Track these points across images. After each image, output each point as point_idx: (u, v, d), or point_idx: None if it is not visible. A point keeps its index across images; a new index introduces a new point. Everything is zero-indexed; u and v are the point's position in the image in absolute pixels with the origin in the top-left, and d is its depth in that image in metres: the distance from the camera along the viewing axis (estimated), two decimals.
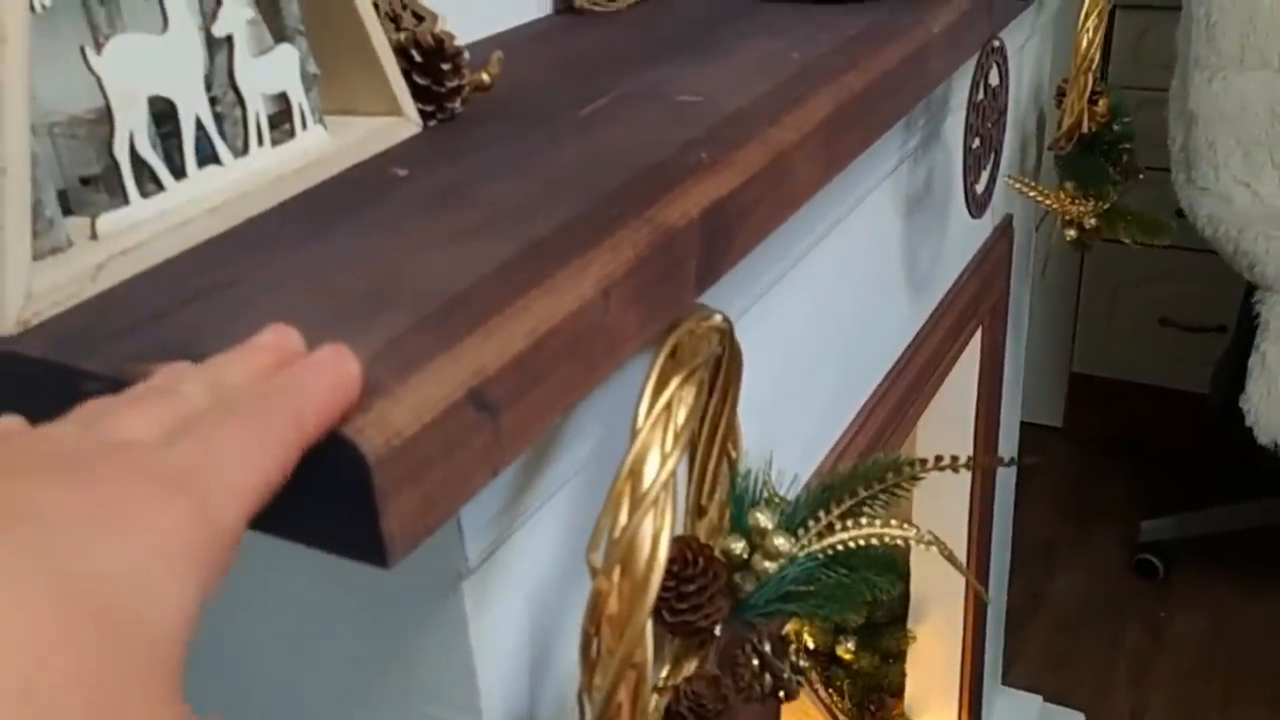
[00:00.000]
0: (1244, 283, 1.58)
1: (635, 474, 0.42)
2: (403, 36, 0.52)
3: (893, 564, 0.63)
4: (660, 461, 0.42)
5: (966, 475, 1.24)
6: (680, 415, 0.44)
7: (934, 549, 0.61)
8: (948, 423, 1.19)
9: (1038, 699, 1.63)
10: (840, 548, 0.61)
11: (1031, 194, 1.05)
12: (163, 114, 0.42)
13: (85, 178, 0.42)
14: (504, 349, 0.35)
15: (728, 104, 0.54)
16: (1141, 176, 1.12)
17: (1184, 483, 2.15)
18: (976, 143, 0.80)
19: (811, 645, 1.38)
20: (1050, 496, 2.24)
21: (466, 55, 0.54)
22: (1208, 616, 1.90)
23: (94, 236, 0.40)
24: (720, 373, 0.55)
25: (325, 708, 0.50)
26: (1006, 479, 1.45)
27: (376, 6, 0.51)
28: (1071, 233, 1.09)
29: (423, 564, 0.43)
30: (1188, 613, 1.92)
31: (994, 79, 0.82)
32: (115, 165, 0.41)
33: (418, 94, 0.53)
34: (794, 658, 0.59)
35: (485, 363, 0.34)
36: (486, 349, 0.34)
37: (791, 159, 0.51)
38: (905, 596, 1.33)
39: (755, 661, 0.58)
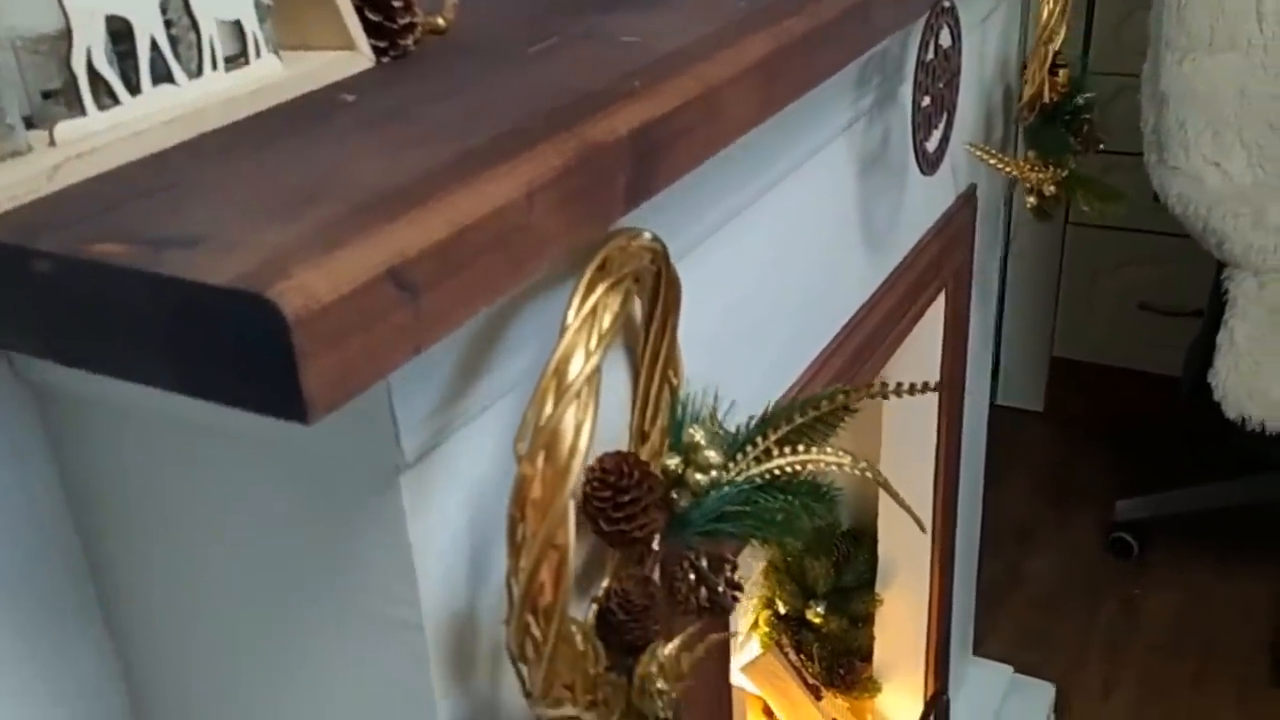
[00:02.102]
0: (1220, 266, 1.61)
1: (560, 371, 0.45)
2: None
3: (829, 494, 0.66)
4: (585, 359, 0.45)
5: (931, 447, 1.26)
6: (606, 320, 0.46)
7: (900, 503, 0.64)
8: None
9: (1009, 669, 1.66)
10: (778, 473, 0.63)
11: (991, 161, 1.08)
12: (120, 33, 0.45)
13: (47, 91, 0.45)
14: (425, 236, 0.37)
15: (668, 44, 0.57)
16: (1102, 147, 1.15)
17: (1161, 464, 2.18)
18: (927, 101, 0.83)
19: (783, 610, 1.41)
20: (1029, 479, 2.27)
21: None
22: (1181, 594, 1.93)
23: (52, 143, 0.43)
24: (659, 298, 0.58)
25: (272, 599, 0.53)
26: (974, 453, 1.47)
27: None
28: (1032, 200, 1.11)
29: (360, 455, 0.46)
30: (1161, 591, 1.94)
31: (945, 40, 0.85)
32: (73, 79, 0.44)
33: (371, 30, 0.55)
34: (730, 574, 0.61)
35: (405, 246, 0.37)
36: (408, 234, 0.37)
37: (724, 93, 0.54)
38: (873, 561, 1.35)
39: (692, 576, 0.61)
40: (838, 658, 1.40)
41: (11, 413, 0.54)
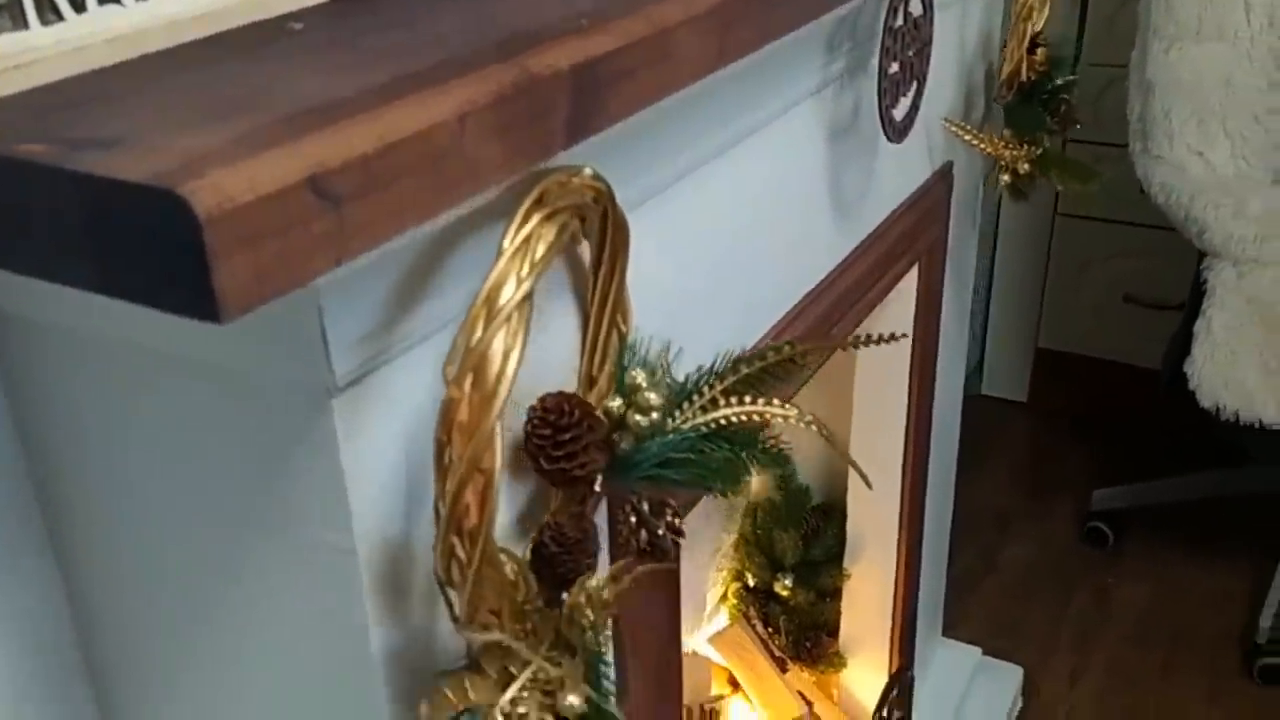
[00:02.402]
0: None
1: (492, 297, 0.45)
2: None
3: (777, 448, 0.66)
4: (516, 286, 0.45)
5: (901, 424, 1.27)
6: (540, 249, 0.47)
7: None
8: (885, 359, 1.23)
9: (977, 651, 1.67)
10: (724, 423, 0.64)
11: (967, 137, 1.08)
12: None
13: None
14: (348, 148, 0.38)
15: None
16: (1079, 126, 1.15)
17: (1141, 456, 2.19)
18: (895, 68, 0.83)
19: (751, 582, 1.42)
20: (1009, 467, 2.28)
21: None
22: (1153, 585, 1.94)
23: None
24: (606, 241, 0.58)
25: (212, 523, 0.54)
26: (947, 435, 1.48)
27: None
28: (1006, 178, 1.12)
29: (293, 377, 0.47)
30: (1134, 581, 1.95)
31: (916, 8, 0.85)
32: None
33: None
34: (671, 519, 0.62)
35: (327, 156, 0.37)
36: (331, 145, 0.37)
37: (674, 36, 0.54)
38: (842, 536, 1.36)
39: (633, 519, 0.61)
40: (804, 631, 1.41)
41: None
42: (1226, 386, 1.55)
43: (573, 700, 0.50)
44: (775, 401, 0.65)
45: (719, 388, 0.64)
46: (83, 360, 0.54)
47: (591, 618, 0.51)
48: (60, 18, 0.45)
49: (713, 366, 0.65)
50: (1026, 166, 1.10)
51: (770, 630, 1.41)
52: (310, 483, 0.50)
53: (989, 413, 2.47)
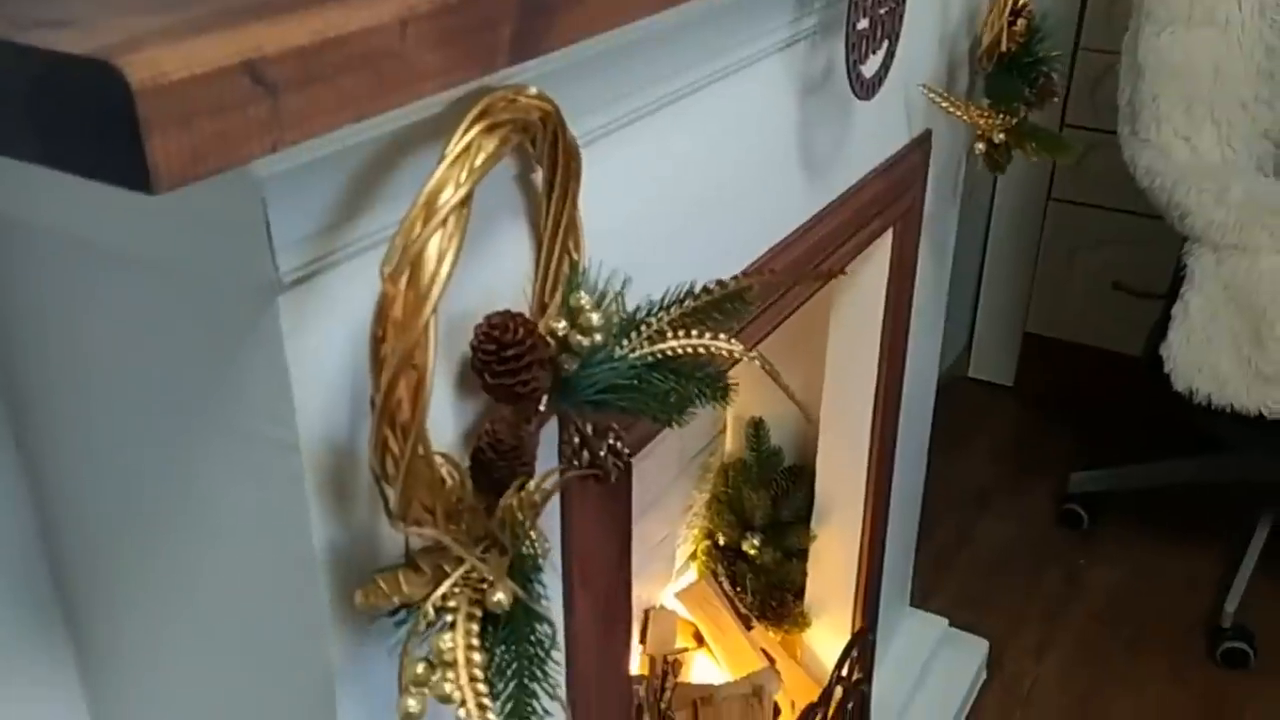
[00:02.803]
0: None
1: (430, 201, 0.47)
2: None
3: (717, 381, 0.68)
4: (454, 190, 0.47)
5: (871, 390, 1.28)
6: (479, 159, 0.49)
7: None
8: (857, 326, 1.25)
9: (944, 622, 1.69)
10: (671, 354, 0.66)
11: (943, 104, 1.10)
12: None
13: None
14: (285, 39, 0.40)
15: None
16: (1056, 99, 1.17)
17: (1122, 441, 2.21)
18: (864, 23, 0.85)
19: (721, 541, 1.44)
20: (992, 449, 2.30)
21: None
22: (1125, 567, 1.96)
23: None
24: (557, 166, 0.60)
25: (166, 419, 0.56)
26: (920, 406, 1.50)
27: None
28: (981, 146, 1.13)
29: (240, 272, 0.49)
30: (1106, 562, 1.98)
31: None
32: None
33: None
34: (614, 442, 0.64)
35: (264, 44, 0.39)
36: (269, 34, 0.39)
37: None
38: (811, 498, 1.38)
39: (577, 440, 0.64)
40: (770, 591, 1.43)
41: None
42: (1201, 371, 1.56)
43: (500, 598, 0.52)
44: (721, 336, 0.67)
45: (665, 319, 0.66)
46: (49, 261, 0.56)
47: (523, 518, 0.53)
48: None
49: (662, 299, 0.67)
50: (1002, 136, 1.12)
51: (737, 588, 1.44)
52: (255, 378, 0.52)
53: (975, 395, 2.49)
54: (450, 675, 0.50)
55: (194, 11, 0.40)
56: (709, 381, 0.68)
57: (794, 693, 1.39)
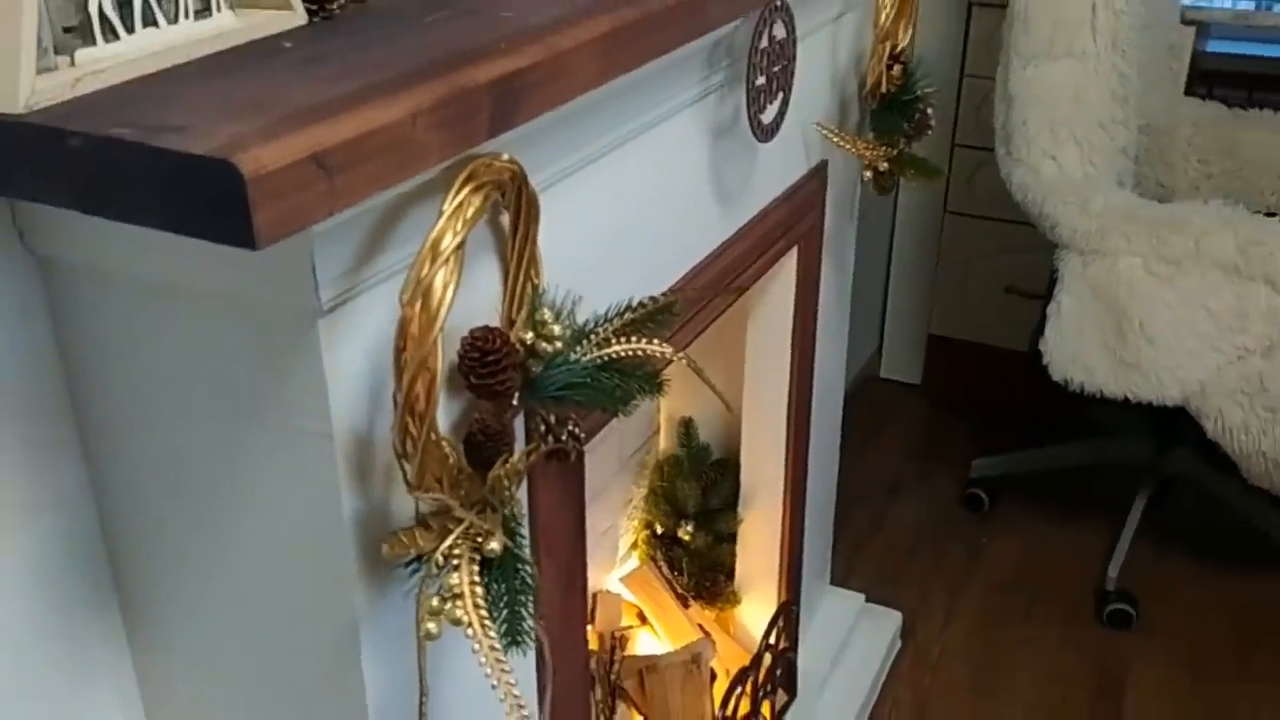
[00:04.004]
0: None
1: (435, 244, 0.63)
2: None
3: (653, 378, 0.85)
4: (453, 236, 0.63)
5: (786, 388, 1.46)
6: (469, 211, 0.65)
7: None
8: (770, 332, 1.42)
9: (860, 598, 1.88)
10: (616, 357, 0.82)
11: (834, 139, 1.28)
12: None
13: (67, 27, 0.62)
14: (338, 134, 0.55)
15: (532, 20, 0.75)
16: (930, 132, 1.36)
17: (1019, 430, 2.42)
18: (761, 80, 1.03)
19: (659, 530, 1.61)
20: (903, 443, 2.50)
21: None
22: (1021, 542, 2.17)
23: (73, 64, 0.60)
24: (520, 212, 0.77)
25: (219, 419, 0.71)
26: (830, 401, 1.68)
27: None
28: (868, 174, 1.32)
29: (289, 302, 0.64)
30: (1005, 539, 2.18)
31: (780, 32, 1.04)
32: (89, 19, 0.61)
33: None
34: (571, 429, 0.80)
35: (325, 140, 0.55)
36: (326, 133, 0.55)
37: (568, 58, 0.73)
38: (737, 487, 1.56)
39: (543, 427, 0.80)
40: (704, 572, 1.60)
41: (20, 279, 0.71)
42: (1074, 362, 1.77)
43: (494, 546, 0.68)
44: (655, 341, 0.84)
45: (610, 329, 0.83)
46: (120, 296, 0.71)
47: (507, 484, 0.69)
48: (117, 37, 0.62)
49: (606, 313, 0.83)
50: (885, 165, 1.30)
51: (675, 571, 1.60)
52: (298, 384, 0.67)
53: (887, 394, 2.70)
54: (460, 604, 0.66)
55: (268, 116, 0.56)
56: (647, 378, 0.84)
57: (728, 662, 1.56)
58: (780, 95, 1.08)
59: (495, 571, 0.69)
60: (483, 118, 0.66)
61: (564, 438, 0.80)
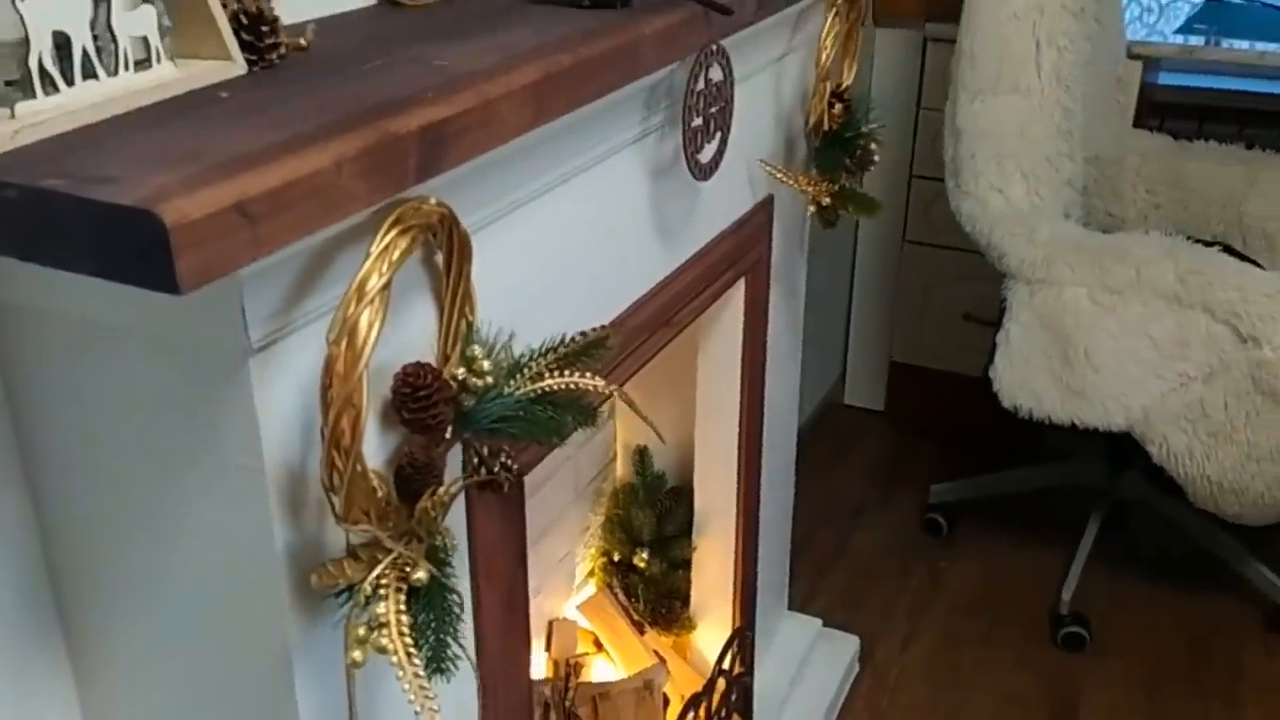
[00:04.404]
0: None
1: (361, 285, 0.66)
2: (235, 6, 0.76)
3: (587, 410, 0.88)
4: (379, 278, 0.66)
5: (734, 423, 1.49)
6: (395, 254, 0.68)
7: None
8: (720, 360, 1.46)
9: (818, 622, 1.90)
10: (548, 390, 0.85)
11: (778, 175, 1.32)
12: (61, 43, 0.65)
13: (9, 81, 0.65)
14: (262, 184, 0.58)
15: (465, 68, 0.79)
16: (873, 167, 1.40)
17: (981, 456, 2.45)
18: (698, 121, 1.06)
19: (615, 557, 1.63)
20: (866, 468, 2.53)
21: (281, 22, 0.78)
22: (979, 566, 2.21)
23: (13, 116, 0.63)
24: (453, 253, 0.80)
25: (157, 453, 0.73)
26: (783, 427, 1.71)
27: None
28: (812, 208, 1.36)
29: (221, 342, 0.67)
30: (963, 562, 2.22)
31: (716, 75, 1.08)
32: (29, 73, 0.64)
33: (244, 46, 0.76)
34: (505, 460, 0.83)
35: (248, 189, 0.57)
36: (251, 182, 0.58)
37: (498, 105, 0.76)
38: (691, 514, 1.58)
39: (476, 460, 0.82)
40: (660, 599, 1.62)
41: None
42: (1022, 389, 1.81)
43: (420, 575, 0.71)
44: (588, 375, 0.87)
45: (543, 363, 0.86)
46: (61, 336, 0.73)
47: (435, 515, 0.72)
48: (57, 89, 0.65)
49: (540, 347, 0.86)
50: (828, 199, 1.34)
51: (631, 598, 1.62)
52: (232, 420, 0.70)
53: (851, 420, 2.73)
54: (385, 633, 0.69)
55: (196, 166, 0.59)
56: (581, 411, 0.87)
57: (684, 687, 1.58)
58: (719, 135, 1.12)
59: (422, 600, 0.72)
60: (410, 164, 0.69)
61: (496, 470, 0.83)
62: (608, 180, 1.04)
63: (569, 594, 1.62)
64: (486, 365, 0.78)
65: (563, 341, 0.87)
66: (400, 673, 0.68)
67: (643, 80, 1.01)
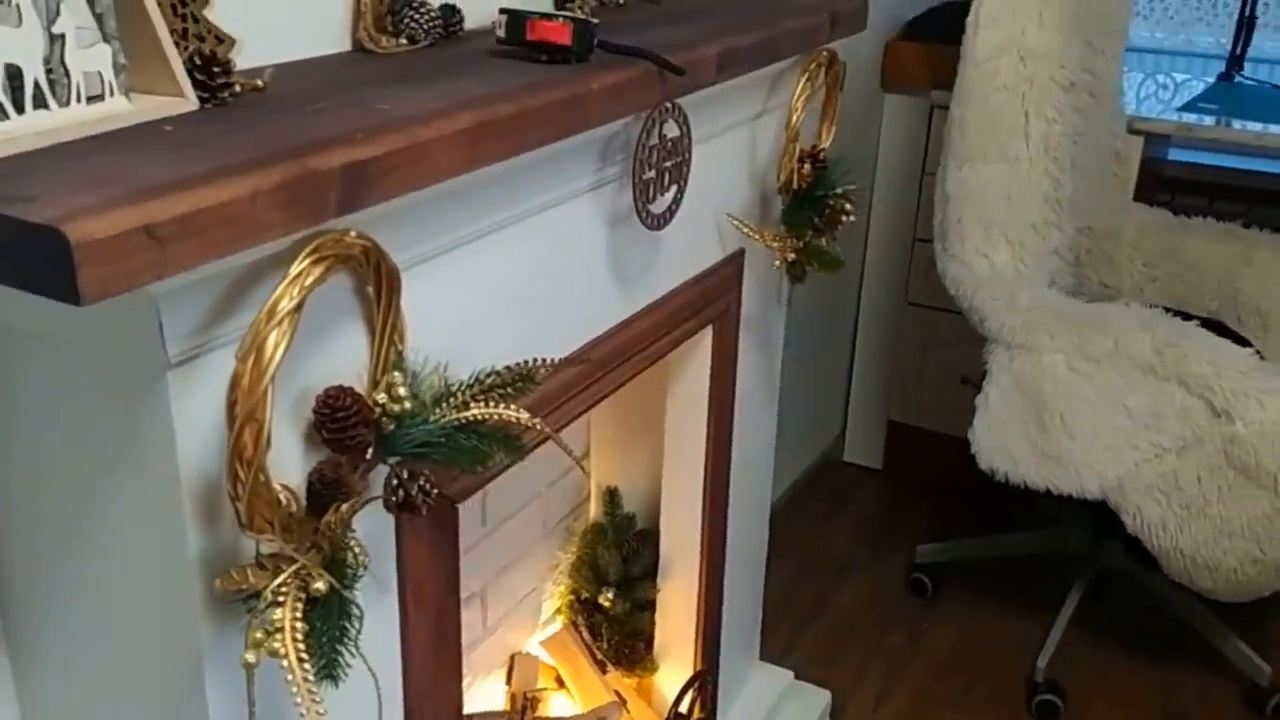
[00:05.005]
0: None
1: (271, 308, 0.71)
2: (190, 48, 0.82)
3: (514, 442, 0.91)
4: (289, 301, 0.71)
5: (700, 470, 1.52)
6: (308, 280, 0.73)
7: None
8: (687, 409, 1.49)
9: (789, 675, 1.91)
10: (473, 419, 0.89)
11: (744, 230, 1.36)
12: (13, 74, 0.71)
13: None
14: (173, 209, 0.63)
15: (405, 112, 0.84)
16: (842, 226, 1.43)
17: (974, 518, 2.46)
18: (650, 173, 1.11)
19: (582, 595, 1.66)
20: (857, 526, 2.54)
21: (234, 65, 0.84)
22: (960, 629, 2.20)
23: None
24: (381, 284, 0.84)
25: (83, 461, 0.78)
26: (755, 476, 1.73)
27: (176, 31, 0.81)
28: (778, 262, 1.40)
29: (140, 356, 0.72)
30: (945, 623, 2.21)
31: (671, 131, 1.13)
32: None
33: (197, 85, 0.82)
34: (422, 484, 0.87)
35: (158, 214, 0.63)
36: (163, 207, 0.63)
37: (430, 147, 0.81)
38: (657, 556, 1.61)
39: (394, 482, 0.86)
40: (624, 640, 1.64)
41: None
42: (999, 452, 1.83)
43: (320, 586, 0.75)
44: (513, 408, 0.91)
45: (469, 393, 0.90)
46: (2, 350, 0.79)
47: (337, 529, 0.76)
48: (7, 116, 0.71)
49: (469, 378, 0.91)
50: (793, 255, 1.38)
51: (595, 637, 1.65)
52: (149, 429, 0.74)
53: (848, 477, 2.75)
54: (279, 638, 0.72)
55: (115, 190, 0.64)
56: (506, 441, 0.91)
57: None
58: (674, 188, 1.16)
59: (320, 610, 0.75)
60: (330, 197, 0.74)
61: (414, 492, 0.87)
62: (561, 225, 1.09)
63: (534, 629, 1.65)
64: (403, 392, 0.83)
65: (489, 372, 0.91)
66: (289, 675, 0.72)
67: (596, 132, 1.06)
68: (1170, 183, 2.63)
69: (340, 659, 0.75)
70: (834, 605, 2.27)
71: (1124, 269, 2.18)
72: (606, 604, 1.62)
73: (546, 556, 1.65)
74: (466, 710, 1.48)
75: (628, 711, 1.59)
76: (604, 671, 1.63)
